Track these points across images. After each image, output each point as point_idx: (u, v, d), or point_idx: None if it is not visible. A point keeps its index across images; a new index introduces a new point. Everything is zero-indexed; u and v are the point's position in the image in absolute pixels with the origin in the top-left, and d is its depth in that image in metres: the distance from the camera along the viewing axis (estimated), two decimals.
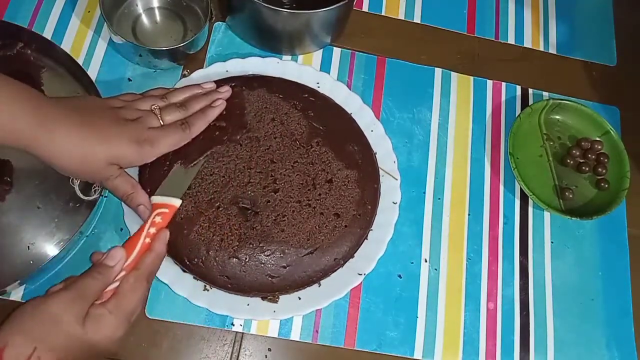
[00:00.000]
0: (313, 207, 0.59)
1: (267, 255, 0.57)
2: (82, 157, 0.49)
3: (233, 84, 0.63)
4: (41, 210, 0.57)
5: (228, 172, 0.59)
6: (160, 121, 0.55)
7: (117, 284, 0.47)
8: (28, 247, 0.56)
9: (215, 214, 0.57)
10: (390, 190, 0.64)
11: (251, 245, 0.57)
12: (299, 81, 0.66)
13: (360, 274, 0.60)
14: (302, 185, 0.60)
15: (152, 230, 0.51)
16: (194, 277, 0.57)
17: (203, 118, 0.58)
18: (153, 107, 0.56)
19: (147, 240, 0.50)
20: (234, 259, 0.56)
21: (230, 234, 0.57)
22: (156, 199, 0.54)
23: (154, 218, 0.52)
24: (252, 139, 0.61)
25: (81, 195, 0.57)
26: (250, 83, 0.64)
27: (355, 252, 0.60)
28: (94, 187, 0.57)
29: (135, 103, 0.56)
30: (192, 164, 0.58)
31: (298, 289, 0.58)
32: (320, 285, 0.59)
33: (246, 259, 0.57)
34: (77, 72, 0.61)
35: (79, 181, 0.56)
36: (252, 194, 0.59)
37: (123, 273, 0.48)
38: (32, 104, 0.47)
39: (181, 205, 0.56)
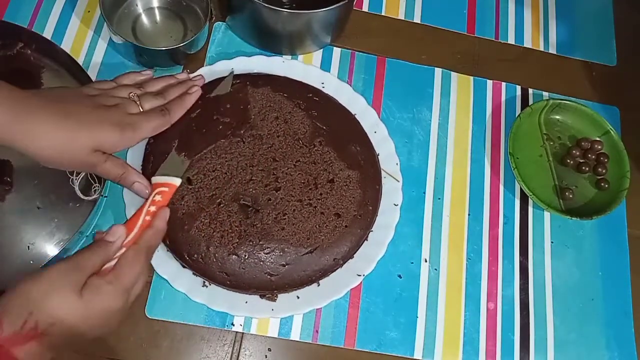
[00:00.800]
0: (314, 206, 0.59)
1: (267, 253, 0.57)
2: (63, 146, 0.49)
3: (238, 81, 0.63)
4: (41, 210, 0.57)
5: (230, 169, 0.59)
6: (140, 108, 0.56)
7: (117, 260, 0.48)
8: (28, 247, 0.56)
9: (216, 211, 0.57)
10: (392, 191, 0.64)
11: (251, 243, 0.57)
12: (304, 81, 0.66)
13: (360, 275, 0.60)
14: (304, 185, 0.60)
15: (153, 208, 0.52)
16: (193, 273, 0.58)
17: (181, 104, 0.59)
18: (131, 94, 0.56)
19: (148, 218, 0.51)
20: (234, 256, 0.56)
21: (230, 230, 0.57)
22: (156, 179, 0.55)
23: (154, 197, 0.53)
24: (255, 137, 0.61)
25: (81, 195, 0.57)
26: (255, 81, 0.64)
27: (355, 252, 0.60)
28: (94, 187, 0.57)
29: (112, 91, 0.56)
30: (196, 156, 0.59)
31: (297, 288, 0.58)
32: (319, 284, 0.59)
33: (246, 256, 0.57)
34: (77, 72, 0.61)
35: (78, 181, 0.56)
36: (254, 191, 0.59)
37: (123, 250, 0.48)
38: (6, 99, 0.46)
39: (184, 201, 0.57)
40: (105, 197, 0.60)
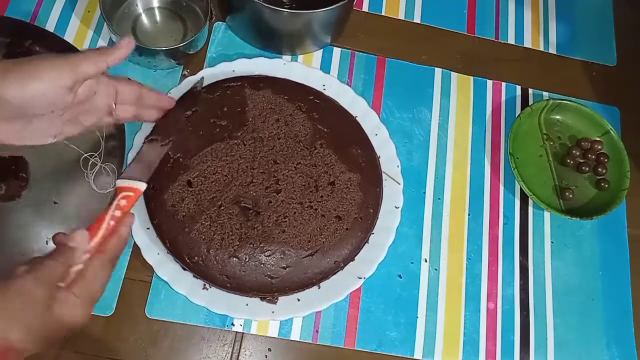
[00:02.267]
0: (315, 209, 0.59)
1: (267, 256, 0.57)
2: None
3: (238, 83, 0.63)
4: (57, 205, 0.57)
5: (231, 172, 0.59)
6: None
7: (81, 265, 0.47)
8: (46, 242, 0.56)
9: (216, 213, 0.57)
10: (393, 194, 0.64)
11: (251, 245, 0.57)
12: (305, 83, 0.66)
13: (360, 278, 0.60)
14: (305, 187, 0.60)
15: (117, 213, 0.49)
16: (194, 276, 0.58)
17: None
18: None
19: (112, 222, 0.48)
20: (234, 259, 0.56)
21: (231, 233, 0.57)
22: (121, 182, 0.52)
23: (118, 201, 0.50)
24: (256, 139, 0.61)
25: (96, 189, 0.57)
26: (256, 83, 0.64)
27: (356, 255, 0.60)
28: (108, 181, 0.57)
29: None
30: (192, 158, 0.58)
31: (297, 290, 0.58)
32: (319, 287, 0.59)
33: (246, 258, 0.57)
34: None
35: (93, 175, 0.56)
36: (254, 194, 0.59)
37: (87, 255, 0.48)
38: None
39: (184, 204, 0.57)
40: None
